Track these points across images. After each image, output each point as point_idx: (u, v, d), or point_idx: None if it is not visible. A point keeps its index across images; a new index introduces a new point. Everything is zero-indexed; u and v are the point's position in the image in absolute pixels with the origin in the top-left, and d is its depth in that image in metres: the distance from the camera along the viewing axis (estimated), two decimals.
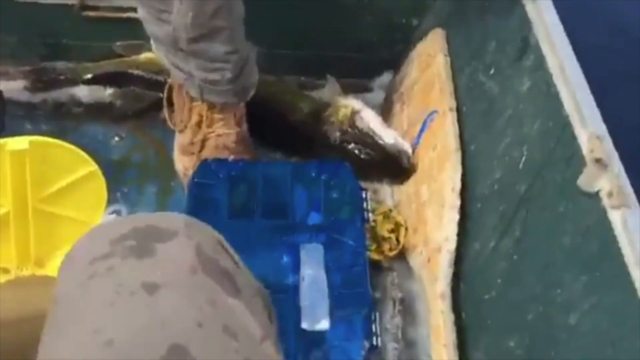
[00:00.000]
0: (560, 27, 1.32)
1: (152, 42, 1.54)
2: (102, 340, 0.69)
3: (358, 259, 1.40)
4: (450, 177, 1.45)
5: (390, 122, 1.77)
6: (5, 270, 1.13)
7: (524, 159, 1.31)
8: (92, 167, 1.10)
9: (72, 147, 1.09)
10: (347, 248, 1.41)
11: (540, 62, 1.30)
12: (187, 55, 1.46)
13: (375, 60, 1.89)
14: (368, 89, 1.89)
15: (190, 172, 1.61)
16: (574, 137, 1.17)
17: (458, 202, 1.43)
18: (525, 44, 1.36)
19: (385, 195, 1.67)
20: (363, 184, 1.56)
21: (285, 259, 1.39)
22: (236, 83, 1.52)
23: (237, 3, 1.44)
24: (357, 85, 1.89)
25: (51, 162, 1.08)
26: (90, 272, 0.76)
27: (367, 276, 1.37)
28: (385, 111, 1.82)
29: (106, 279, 0.75)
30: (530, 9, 1.37)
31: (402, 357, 1.43)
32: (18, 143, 1.05)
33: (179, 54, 1.46)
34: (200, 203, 1.44)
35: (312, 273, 1.36)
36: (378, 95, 1.88)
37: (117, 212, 1.19)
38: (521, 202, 1.29)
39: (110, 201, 1.61)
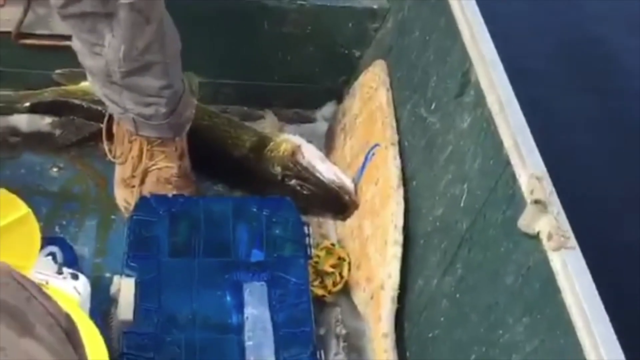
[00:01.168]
0: (499, 65, 1.32)
1: (87, 75, 1.52)
2: None
3: (302, 296, 1.38)
4: (393, 214, 1.45)
5: (333, 154, 1.76)
6: None
7: (465, 196, 1.31)
8: (24, 210, 1.07)
9: (3, 190, 1.06)
10: (291, 286, 1.40)
11: (480, 99, 1.31)
12: (121, 89, 1.45)
13: (318, 90, 1.89)
14: (311, 120, 1.89)
15: (132, 206, 1.58)
16: (514, 177, 1.17)
17: (401, 239, 1.42)
18: (466, 80, 1.37)
19: (329, 229, 1.66)
20: (306, 219, 1.54)
21: (228, 298, 1.37)
22: (171, 118, 1.51)
23: (172, 38, 1.42)
24: (300, 116, 1.89)
25: None
26: None
27: (311, 314, 1.36)
28: (328, 142, 1.81)
29: None
30: (469, 45, 1.38)
31: None
32: None
33: (114, 87, 1.45)
34: (141, 241, 1.42)
35: (256, 312, 1.35)
36: (321, 126, 1.87)
37: (53, 255, 1.16)
38: (463, 240, 1.29)
39: (49, 234, 1.59)
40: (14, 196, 1.06)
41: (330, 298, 1.53)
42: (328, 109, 1.88)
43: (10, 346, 0.70)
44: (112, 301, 1.39)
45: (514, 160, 1.18)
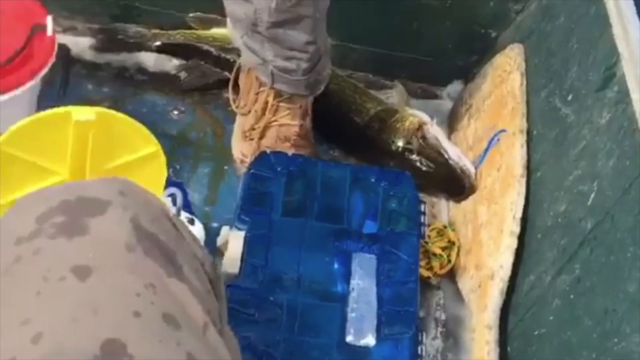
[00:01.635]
0: None
1: (228, 20, 1.51)
2: (30, 334, 0.62)
3: (411, 275, 1.35)
4: (513, 203, 1.40)
5: (455, 134, 1.72)
6: None
7: (593, 195, 1.25)
8: (156, 147, 1.06)
9: (139, 124, 1.05)
10: (401, 263, 1.36)
11: (623, 96, 1.24)
12: (264, 40, 1.42)
13: (447, 67, 1.84)
14: (436, 96, 1.84)
15: (248, 160, 1.57)
16: None
17: (518, 230, 1.37)
18: (610, 74, 1.30)
19: (441, 209, 1.62)
20: (420, 196, 1.50)
21: (336, 265, 1.34)
22: (310, 75, 1.48)
23: None
24: (425, 91, 1.85)
25: (115, 137, 1.04)
26: (16, 254, 0.69)
27: (417, 295, 1.33)
28: (451, 122, 1.77)
29: (33, 264, 0.68)
30: (619, 38, 1.31)
31: None
32: (84, 113, 1.01)
33: (256, 37, 1.42)
34: (255, 196, 1.40)
35: (363, 285, 1.32)
36: (446, 104, 1.82)
37: (172, 197, 1.15)
38: (585, 240, 1.23)
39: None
40: (148, 132, 1.05)
41: (435, 281, 1.50)
42: (454, 87, 1.83)
43: (159, 284, 0.69)
44: (218, 252, 1.38)
45: None
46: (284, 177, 1.43)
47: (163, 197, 1.12)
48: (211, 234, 1.46)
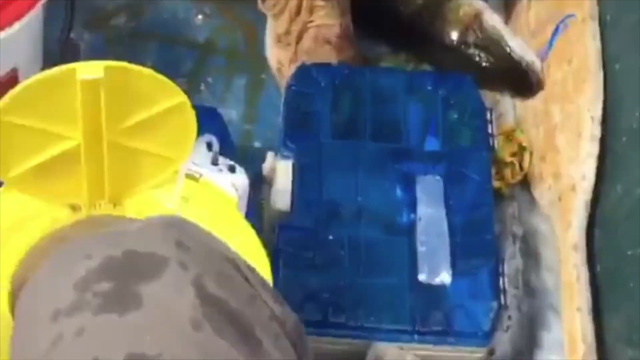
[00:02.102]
0: None
1: None
2: None
3: (484, 197, 1.20)
4: (590, 102, 1.23)
5: (513, 19, 1.52)
6: (76, 208, 0.96)
7: None
8: (181, 97, 0.91)
9: (157, 74, 0.89)
10: (471, 183, 1.20)
11: None
12: None
13: None
14: None
15: (286, 68, 1.41)
16: None
17: (599, 134, 1.21)
18: None
19: (507, 107, 1.44)
20: (484, 98, 1.33)
21: (398, 192, 1.19)
22: None
23: None
24: None
25: (131, 91, 0.89)
26: (54, 334, 0.56)
27: (492, 219, 1.18)
28: (508, 4, 1.57)
29: (75, 349, 0.55)
30: None
31: (521, 307, 1.24)
32: (90, 69, 0.85)
33: None
34: (299, 117, 1.24)
35: (431, 212, 1.17)
36: None
37: (209, 145, 1.00)
38: None
39: (196, 93, 1.44)
40: (170, 82, 0.89)
41: (507, 191, 1.34)
42: None
43: None
44: (265, 181, 1.23)
45: None
46: (330, 92, 1.26)
47: (197, 145, 0.97)
48: (255, 156, 1.32)
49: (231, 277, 0.61)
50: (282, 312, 0.64)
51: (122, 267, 0.58)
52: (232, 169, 1.01)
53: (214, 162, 1.01)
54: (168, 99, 0.91)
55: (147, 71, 0.89)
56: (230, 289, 0.60)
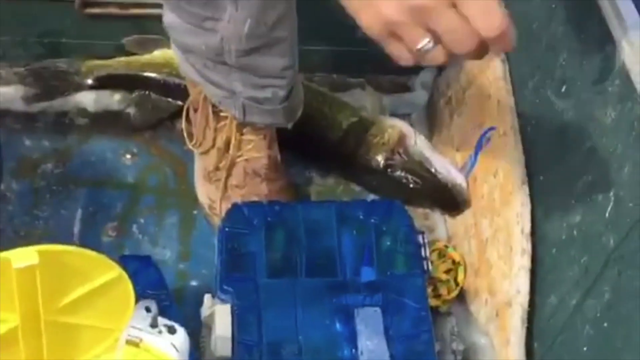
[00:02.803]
0: None
1: (178, 54, 1.33)
2: None
3: (422, 324, 1.20)
4: (518, 215, 1.26)
5: (437, 133, 1.57)
6: None
7: (611, 206, 1.11)
8: (116, 272, 0.92)
9: (91, 252, 0.90)
10: (409, 311, 1.21)
11: (628, 92, 1.09)
12: (231, 70, 1.25)
13: None
14: (408, 88, 1.68)
15: (217, 206, 1.43)
16: None
17: (529, 247, 1.24)
18: (607, 65, 1.15)
19: (437, 221, 1.48)
20: (412, 212, 1.36)
21: (338, 326, 1.20)
22: (288, 102, 1.32)
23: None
24: (395, 84, 1.67)
25: (66, 270, 0.90)
26: None
27: (433, 345, 1.19)
28: (431, 117, 1.61)
29: None
30: (613, 24, 1.15)
31: None
32: (25, 257, 0.86)
33: (221, 67, 1.26)
34: (235, 258, 1.24)
35: (372, 345, 1.17)
36: (421, 96, 1.65)
37: (148, 309, 1.00)
38: (610, 260, 1.10)
39: (127, 237, 1.44)
40: (105, 258, 0.90)
41: (445, 308, 1.36)
42: (426, 75, 1.66)
43: None
44: (204, 324, 1.24)
45: None
46: (263, 231, 1.27)
47: (136, 309, 0.97)
48: (192, 296, 1.33)
49: None
50: None
51: None
52: (171, 330, 1.01)
53: (154, 325, 1.01)
54: (104, 274, 0.92)
55: (81, 250, 0.90)
56: None
